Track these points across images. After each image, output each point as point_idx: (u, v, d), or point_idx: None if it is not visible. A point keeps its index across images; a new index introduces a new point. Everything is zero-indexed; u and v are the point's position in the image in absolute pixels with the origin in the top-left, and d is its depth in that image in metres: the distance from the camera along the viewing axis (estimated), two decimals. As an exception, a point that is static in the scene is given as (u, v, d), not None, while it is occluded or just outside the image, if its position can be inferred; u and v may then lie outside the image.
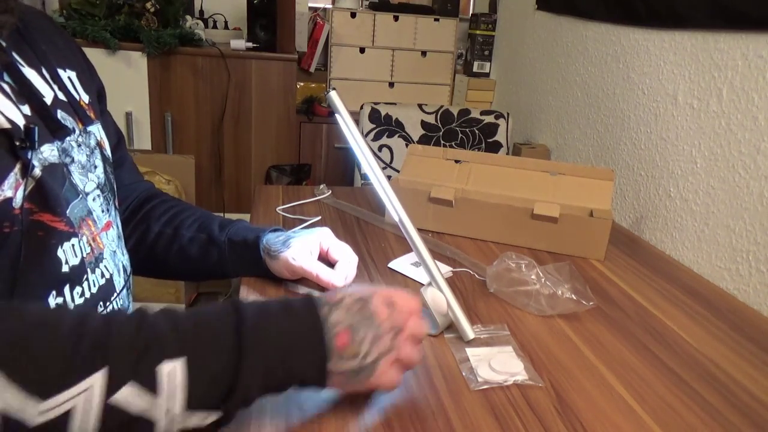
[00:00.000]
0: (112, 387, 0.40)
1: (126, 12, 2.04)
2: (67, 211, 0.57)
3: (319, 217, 1.06)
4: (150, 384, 0.41)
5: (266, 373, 0.47)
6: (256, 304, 0.50)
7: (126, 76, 1.99)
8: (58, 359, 0.39)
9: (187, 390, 0.43)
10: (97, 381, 0.40)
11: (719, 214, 1.04)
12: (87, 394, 0.39)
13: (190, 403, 0.43)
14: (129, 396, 0.41)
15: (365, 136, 1.77)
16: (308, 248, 0.75)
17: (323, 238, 0.78)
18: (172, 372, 0.42)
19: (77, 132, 0.61)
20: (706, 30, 1.10)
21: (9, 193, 0.50)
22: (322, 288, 0.75)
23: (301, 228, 1.01)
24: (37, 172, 0.53)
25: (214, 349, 0.45)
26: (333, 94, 0.70)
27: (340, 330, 0.50)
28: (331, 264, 0.77)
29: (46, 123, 0.56)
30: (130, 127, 2.03)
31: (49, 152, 0.55)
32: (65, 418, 0.38)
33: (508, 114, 1.83)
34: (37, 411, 0.38)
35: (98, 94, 0.72)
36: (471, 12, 2.55)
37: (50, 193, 0.54)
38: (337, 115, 0.71)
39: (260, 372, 0.46)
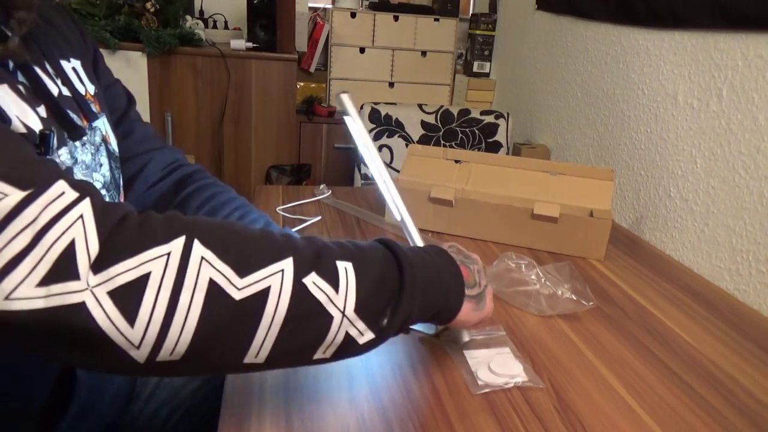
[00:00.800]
0: (300, 273, 0.43)
1: (126, 12, 2.04)
2: None
3: (319, 217, 1.06)
4: (331, 276, 0.44)
5: (422, 293, 0.50)
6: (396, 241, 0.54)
7: (126, 76, 1.97)
8: (254, 245, 0.43)
9: (358, 291, 0.45)
10: (287, 266, 0.42)
11: (719, 214, 1.04)
12: (280, 275, 0.42)
13: (359, 305, 0.45)
14: (315, 284, 0.43)
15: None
16: None
17: None
18: (347, 271, 0.45)
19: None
20: (706, 30, 1.10)
21: None
22: None
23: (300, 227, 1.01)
24: None
25: (376, 263, 0.48)
26: (345, 97, 0.70)
27: (459, 263, 0.57)
28: None
29: (62, 124, 0.54)
30: (130, 127, 2.02)
31: (66, 156, 0.54)
32: (263, 295, 0.41)
33: (508, 114, 1.83)
34: (239, 285, 0.40)
35: (93, 59, 0.69)
36: (471, 12, 2.55)
37: None
38: (346, 118, 0.70)
39: (418, 292, 0.49)
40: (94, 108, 0.63)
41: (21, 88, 0.50)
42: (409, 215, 0.69)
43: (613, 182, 1.03)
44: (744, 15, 1.00)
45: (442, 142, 1.81)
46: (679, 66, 1.17)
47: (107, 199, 0.62)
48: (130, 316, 0.37)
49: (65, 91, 0.58)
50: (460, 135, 1.81)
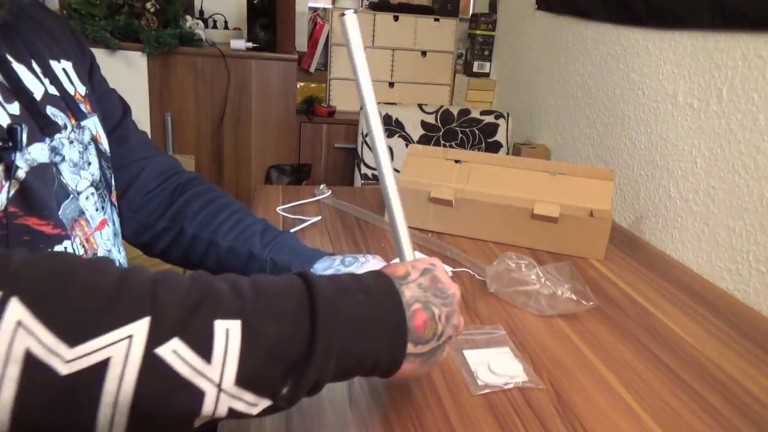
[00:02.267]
0: (155, 340, 0.34)
1: (126, 12, 2.04)
2: (59, 213, 0.55)
3: (319, 217, 1.06)
4: (201, 343, 0.36)
5: (340, 354, 0.41)
6: (326, 276, 0.45)
7: (126, 76, 1.99)
8: (98, 301, 0.34)
9: (242, 359, 0.37)
10: (139, 331, 0.34)
11: (719, 214, 1.04)
12: (125, 343, 0.34)
13: (243, 376, 0.37)
14: (175, 353, 0.35)
15: (365, 135, 1.77)
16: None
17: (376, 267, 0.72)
18: (228, 333, 0.37)
19: (69, 128, 0.58)
20: (706, 30, 1.10)
21: None
22: None
23: (300, 228, 1.01)
24: (21, 174, 0.50)
25: (278, 318, 0.39)
26: (350, 18, 0.57)
27: (417, 309, 0.45)
28: None
29: (36, 121, 0.53)
30: (130, 127, 2.03)
31: (38, 151, 0.52)
32: (100, 369, 0.33)
33: (508, 114, 1.83)
34: (66, 357, 0.32)
35: (89, 67, 0.69)
36: (471, 12, 2.55)
37: (36, 195, 0.51)
38: (349, 44, 0.58)
39: (335, 351, 0.40)
40: (84, 108, 0.63)
41: None
42: (395, 186, 0.60)
43: (613, 182, 1.03)
44: (744, 15, 1.00)
45: (442, 142, 1.81)
46: (679, 66, 1.17)
47: (95, 198, 0.62)
48: None
49: (52, 90, 0.58)
50: (460, 135, 1.81)
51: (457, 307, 0.49)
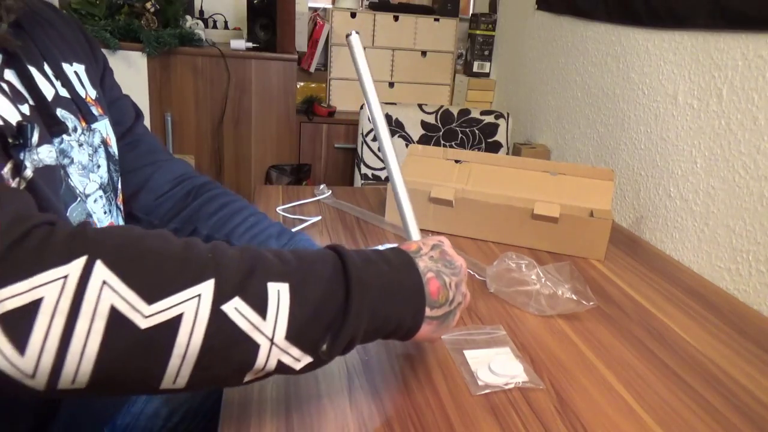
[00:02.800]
0: (220, 298, 0.39)
1: (126, 12, 2.04)
2: (66, 215, 0.55)
3: (320, 217, 1.06)
4: (257, 302, 0.40)
5: (371, 315, 0.46)
6: (353, 249, 0.49)
7: (126, 76, 1.98)
8: (169, 264, 0.39)
9: (291, 317, 0.41)
10: (205, 290, 0.38)
11: (719, 214, 1.04)
12: (195, 301, 0.38)
13: (291, 331, 0.41)
14: (237, 310, 0.39)
15: (365, 135, 1.77)
16: None
17: None
18: (279, 294, 0.41)
19: (79, 131, 0.59)
20: (706, 30, 1.10)
21: None
22: None
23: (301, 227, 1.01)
24: (29, 173, 0.50)
25: (319, 282, 0.44)
26: (355, 38, 0.66)
27: (431, 277, 0.51)
28: None
29: (46, 122, 0.54)
30: (130, 127, 2.03)
31: (46, 153, 0.53)
32: (173, 324, 0.37)
33: (508, 114, 1.83)
34: (145, 313, 0.36)
35: (102, 72, 0.69)
36: (471, 12, 2.55)
37: (42, 196, 0.51)
38: (355, 60, 0.68)
39: (366, 313, 0.45)
40: (95, 111, 0.63)
41: (4, 85, 0.51)
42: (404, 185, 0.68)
43: (613, 182, 1.03)
44: (744, 15, 1.00)
45: (442, 142, 1.81)
46: (679, 66, 1.17)
47: (103, 201, 0.62)
48: (20, 345, 0.34)
49: (63, 92, 0.59)
50: (460, 135, 1.81)
51: (464, 277, 0.55)
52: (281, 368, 0.43)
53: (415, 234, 0.65)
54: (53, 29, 0.62)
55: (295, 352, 0.42)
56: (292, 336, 0.42)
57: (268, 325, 0.40)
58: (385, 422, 0.55)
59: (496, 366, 0.63)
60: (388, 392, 0.59)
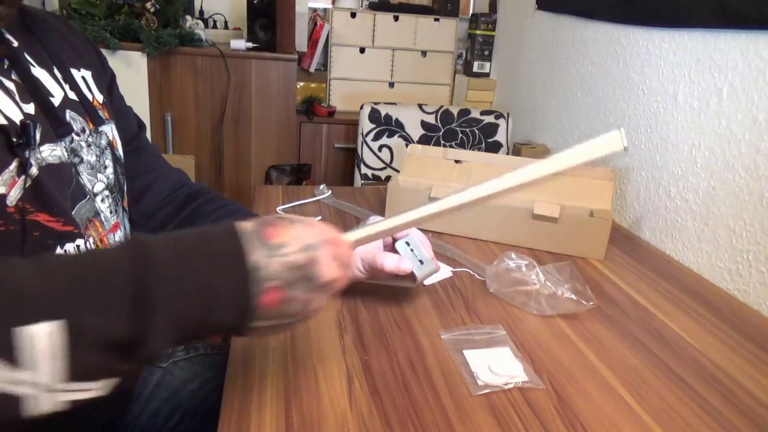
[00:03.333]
0: None
1: (126, 12, 2.04)
2: (73, 212, 0.57)
3: (320, 217, 1.06)
4: (10, 354, 0.34)
5: (177, 329, 0.39)
6: (169, 238, 0.42)
7: (126, 76, 1.98)
8: None
9: (70, 357, 0.36)
10: None
11: (719, 214, 1.04)
12: None
13: (73, 371, 0.36)
14: None
15: (365, 135, 1.77)
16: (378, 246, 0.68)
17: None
18: (44, 337, 0.35)
19: (87, 132, 0.61)
20: (706, 30, 1.10)
21: (2, 190, 0.49)
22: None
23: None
24: (34, 171, 0.52)
25: (101, 305, 0.37)
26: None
27: (272, 287, 0.42)
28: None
29: (50, 122, 0.56)
30: (130, 127, 2.03)
31: (49, 152, 0.55)
32: None
33: (508, 114, 1.83)
34: None
35: (109, 83, 0.72)
36: (471, 12, 2.55)
37: (46, 192, 0.53)
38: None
39: (172, 326, 0.39)
40: (102, 114, 0.66)
41: (11, 85, 0.52)
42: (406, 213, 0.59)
43: (613, 182, 1.03)
44: (744, 15, 1.00)
45: (442, 142, 1.81)
46: (679, 66, 1.17)
47: (110, 200, 0.64)
48: None
49: (72, 95, 0.61)
50: (460, 135, 1.81)
51: (321, 293, 0.45)
52: (80, 403, 0.38)
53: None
54: (62, 37, 0.65)
55: (87, 385, 0.38)
56: (76, 375, 0.36)
57: (39, 374, 0.35)
58: (385, 422, 0.55)
59: (496, 366, 0.63)
60: (388, 392, 0.59)
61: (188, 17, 2.25)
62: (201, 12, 2.38)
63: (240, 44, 2.12)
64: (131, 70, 1.99)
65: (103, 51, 0.70)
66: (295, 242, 0.43)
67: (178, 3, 2.11)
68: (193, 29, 2.13)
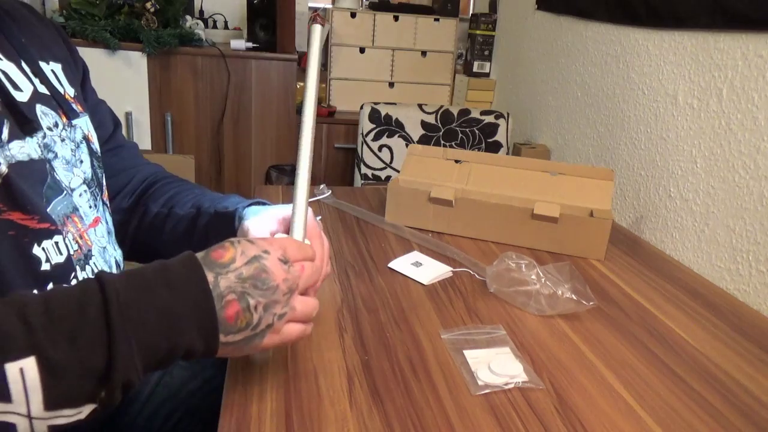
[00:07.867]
0: None
1: (126, 12, 2.04)
2: (49, 209, 0.55)
3: (320, 217, 1.06)
4: None
5: (149, 352, 0.43)
6: (127, 275, 0.45)
7: (126, 76, 1.98)
8: None
9: (46, 390, 0.39)
10: None
11: (719, 214, 1.04)
12: None
13: (51, 401, 0.39)
14: None
15: (365, 135, 1.77)
16: (273, 219, 0.68)
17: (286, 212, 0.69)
18: (23, 373, 0.38)
19: (60, 126, 0.59)
20: (706, 30, 1.10)
21: None
22: None
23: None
24: (3, 169, 0.50)
25: (74, 338, 0.40)
26: (317, 28, 0.62)
27: (230, 300, 0.46)
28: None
29: (16, 119, 0.54)
30: (130, 128, 2.03)
31: (18, 149, 0.53)
32: None
33: (508, 114, 1.83)
34: None
35: (82, 76, 0.70)
36: (471, 12, 2.55)
37: (18, 190, 0.51)
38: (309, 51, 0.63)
39: (140, 354, 0.42)
40: (76, 107, 0.64)
41: None
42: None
43: (613, 182, 1.03)
44: (744, 15, 1.00)
45: (442, 142, 1.81)
46: (679, 66, 1.17)
47: (88, 195, 0.63)
48: None
49: (42, 89, 0.59)
50: (460, 135, 1.81)
51: (281, 297, 0.49)
52: (60, 428, 0.41)
53: (298, 233, 0.58)
54: (28, 28, 0.63)
55: (67, 412, 0.41)
56: (55, 404, 0.39)
57: (20, 405, 0.38)
58: (385, 422, 0.55)
59: (496, 366, 0.63)
60: (388, 392, 0.59)
61: (188, 17, 2.25)
62: (201, 12, 2.38)
63: (240, 44, 2.12)
64: (131, 70, 1.99)
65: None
66: (240, 257, 0.48)
67: (178, 3, 2.11)
68: (193, 29, 2.13)
